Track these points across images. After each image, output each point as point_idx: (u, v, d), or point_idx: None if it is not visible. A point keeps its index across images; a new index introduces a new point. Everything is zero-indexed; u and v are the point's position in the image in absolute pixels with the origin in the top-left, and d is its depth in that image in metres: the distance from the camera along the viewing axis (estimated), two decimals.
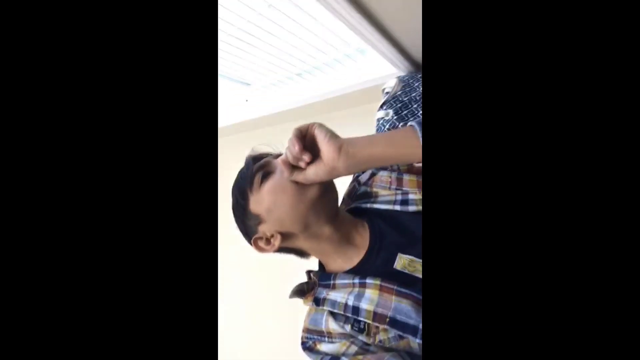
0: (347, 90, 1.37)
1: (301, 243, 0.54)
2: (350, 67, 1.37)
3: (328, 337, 0.48)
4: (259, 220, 0.53)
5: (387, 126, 0.89)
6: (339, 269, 0.54)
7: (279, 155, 0.58)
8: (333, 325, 0.48)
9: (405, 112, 0.91)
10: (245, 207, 0.54)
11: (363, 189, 0.62)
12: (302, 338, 0.51)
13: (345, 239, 0.54)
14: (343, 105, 1.49)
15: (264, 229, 0.53)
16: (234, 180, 0.56)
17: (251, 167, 0.54)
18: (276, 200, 0.51)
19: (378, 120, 0.94)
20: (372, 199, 0.59)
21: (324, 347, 0.48)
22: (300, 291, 0.56)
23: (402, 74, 1.11)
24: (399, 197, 0.57)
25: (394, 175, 0.59)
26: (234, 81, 1.43)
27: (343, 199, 0.64)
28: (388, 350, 0.44)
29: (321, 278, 0.54)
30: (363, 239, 0.55)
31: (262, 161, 0.55)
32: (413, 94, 0.94)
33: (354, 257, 0.54)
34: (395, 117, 0.90)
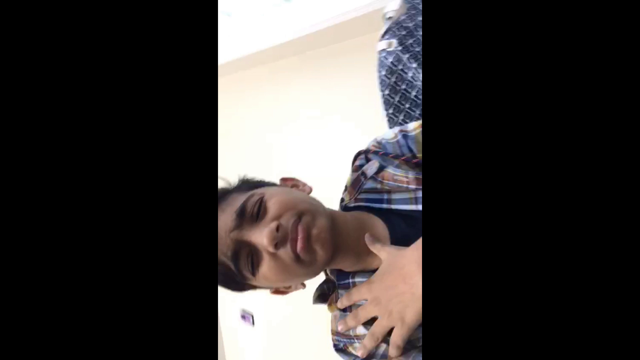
0: (343, 18, 1.18)
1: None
2: None
3: (358, 340, 0.46)
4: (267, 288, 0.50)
5: (390, 59, 0.76)
6: (360, 269, 0.48)
7: (228, 190, 0.48)
8: (361, 330, 0.45)
9: (410, 41, 0.78)
10: (242, 290, 0.48)
11: (371, 183, 0.51)
12: (332, 340, 0.48)
13: (354, 248, 0.46)
14: (339, 36, 1.31)
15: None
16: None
17: (223, 257, 0.43)
18: (284, 280, 0.45)
19: (380, 52, 0.80)
20: (386, 199, 0.50)
21: (356, 348, 0.46)
22: (322, 295, 0.51)
23: None
24: (420, 195, 0.49)
25: (411, 175, 0.48)
26: None
27: (345, 187, 0.54)
28: (417, 347, 0.42)
29: (339, 278, 0.49)
30: (384, 239, 0.47)
31: (235, 244, 0.42)
32: (419, 18, 0.80)
33: (371, 262, 0.47)
34: (399, 48, 0.76)
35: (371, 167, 0.51)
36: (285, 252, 0.40)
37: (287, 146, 1.60)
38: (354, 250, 0.46)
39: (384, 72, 0.61)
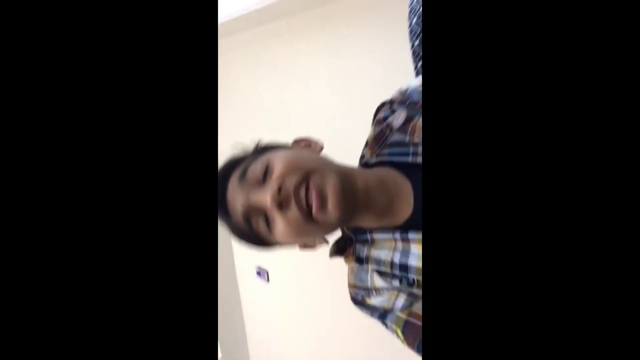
0: None
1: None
2: None
3: (375, 292, 0.47)
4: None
5: (415, 19, 0.69)
6: (382, 226, 0.47)
7: (241, 158, 0.48)
8: (380, 282, 0.46)
9: None
10: (267, 246, 0.48)
11: (397, 136, 0.48)
12: (350, 293, 0.49)
13: (385, 201, 0.45)
14: None
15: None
16: (230, 231, 0.48)
17: (238, 221, 0.44)
18: (301, 237, 0.45)
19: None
20: (412, 152, 0.46)
21: (374, 300, 0.47)
22: (339, 249, 0.51)
23: None
24: None
25: None
26: None
27: (366, 142, 0.51)
28: None
29: (356, 232, 0.48)
30: (405, 195, 0.45)
31: (244, 205, 0.43)
32: None
33: (398, 216, 0.46)
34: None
35: (398, 119, 0.48)
36: (294, 212, 0.40)
37: (303, 105, 1.55)
38: (374, 208, 0.44)
39: (415, 19, 0.55)
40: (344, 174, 0.43)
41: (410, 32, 0.57)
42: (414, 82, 0.49)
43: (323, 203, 0.40)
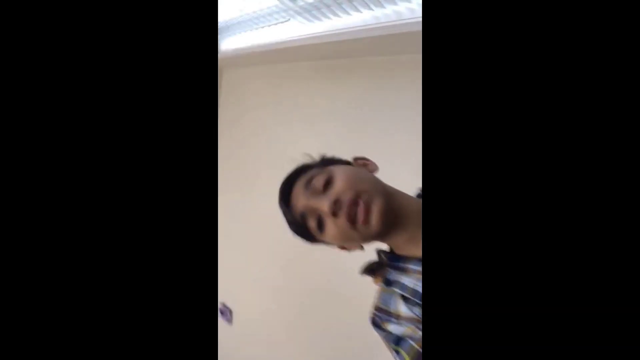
0: (405, 29, 1.15)
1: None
2: (414, 3, 1.14)
3: (396, 319, 0.49)
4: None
5: None
6: (411, 255, 0.53)
7: (309, 166, 0.58)
8: (403, 309, 0.49)
9: None
10: (315, 242, 0.56)
11: None
12: (371, 314, 0.52)
13: (409, 228, 0.52)
14: (396, 48, 1.27)
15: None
16: (287, 222, 0.57)
17: (296, 217, 0.54)
18: (344, 241, 0.53)
19: None
20: None
21: (392, 327, 0.49)
22: (371, 270, 0.57)
23: None
24: None
25: None
26: None
27: None
28: None
29: (391, 259, 0.54)
30: None
31: (304, 206, 0.53)
32: None
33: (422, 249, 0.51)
34: None
35: None
36: (343, 220, 0.49)
37: (315, 145, 1.55)
38: (408, 231, 0.51)
39: None
40: (390, 195, 0.51)
41: None
42: None
43: (367, 218, 0.48)
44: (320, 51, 1.40)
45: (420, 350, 0.44)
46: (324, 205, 0.50)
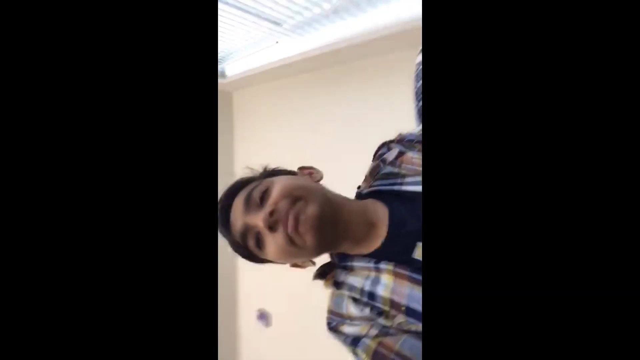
0: (389, 31, 1.21)
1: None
2: (394, 5, 1.19)
3: (349, 320, 0.48)
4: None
5: (418, 84, 0.78)
6: (357, 253, 0.51)
7: (250, 179, 0.52)
8: (353, 310, 0.48)
9: None
10: (260, 262, 0.53)
11: (388, 168, 0.53)
12: (327, 319, 0.51)
13: (364, 230, 0.49)
14: (385, 48, 1.33)
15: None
16: (230, 245, 0.52)
17: (235, 237, 0.49)
18: (287, 258, 0.48)
19: (417, 65, 0.81)
20: (399, 181, 0.51)
21: (347, 329, 0.48)
22: (322, 273, 0.53)
23: None
24: None
25: None
26: (263, 19, 1.31)
27: (365, 176, 0.57)
28: (407, 332, 0.44)
29: (340, 259, 0.52)
30: (382, 225, 0.49)
31: (242, 225, 0.48)
32: None
33: (373, 244, 0.49)
34: None
35: (391, 154, 0.54)
36: (280, 234, 0.44)
37: (317, 149, 1.63)
38: (352, 236, 0.48)
39: (419, 84, 0.63)
40: (329, 203, 0.46)
41: (416, 94, 0.64)
42: (414, 130, 0.56)
43: (298, 229, 0.43)
44: (313, 62, 1.49)
45: (375, 347, 0.44)
46: (259, 219, 0.44)
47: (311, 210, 0.43)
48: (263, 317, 2.05)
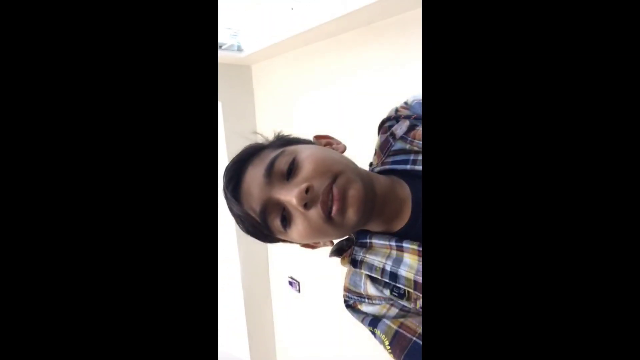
0: None
1: None
2: None
3: (368, 299, 0.46)
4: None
5: None
6: (384, 230, 0.47)
7: (263, 146, 0.46)
8: (372, 290, 0.46)
9: None
10: (271, 242, 0.47)
11: (400, 144, 0.49)
12: (344, 296, 0.49)
13: (396, 208, 0.45)
14: (405, 6, 1.24)
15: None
16: (234, 217, 0.45)
17: (249, 213, 0.42)
18: (315, 238, 0.43)
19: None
20: (412, 159, 0.47)
21: (365, 307, 0.47)
22: (339, 250, 0.49)
23: None
24: None
25: None
26: None
27: (375, 150, 0.53)
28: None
29: (358, 236, 0.48)
30: (405, 206, 0.46)
31: (264, 200, 0.41)
32: None
33: (400, 222, 0.46)
34: None
35: (401, 127, 0.50)
36: (316, 212, 0.39)
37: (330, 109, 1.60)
38: (385, 214, 0.45)
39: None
40: (367, 179, 0.42)
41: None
42: (419, 94, 0.51)
43: (344, 206, 0.39)
44: (327, 30, 1.42)
45: (396, 328, 0.42)
46: (290, 196, 0.39)
47: (356, 187, 0.39)
48: (293, 284, 2.13)
